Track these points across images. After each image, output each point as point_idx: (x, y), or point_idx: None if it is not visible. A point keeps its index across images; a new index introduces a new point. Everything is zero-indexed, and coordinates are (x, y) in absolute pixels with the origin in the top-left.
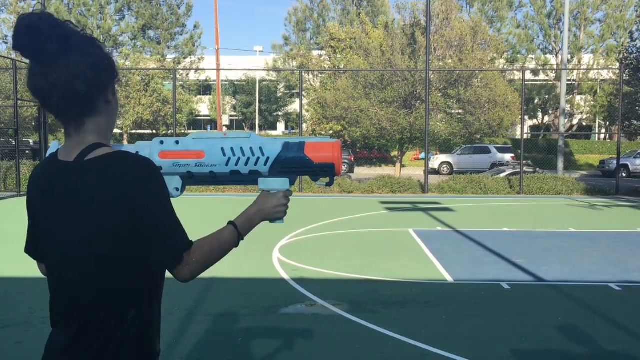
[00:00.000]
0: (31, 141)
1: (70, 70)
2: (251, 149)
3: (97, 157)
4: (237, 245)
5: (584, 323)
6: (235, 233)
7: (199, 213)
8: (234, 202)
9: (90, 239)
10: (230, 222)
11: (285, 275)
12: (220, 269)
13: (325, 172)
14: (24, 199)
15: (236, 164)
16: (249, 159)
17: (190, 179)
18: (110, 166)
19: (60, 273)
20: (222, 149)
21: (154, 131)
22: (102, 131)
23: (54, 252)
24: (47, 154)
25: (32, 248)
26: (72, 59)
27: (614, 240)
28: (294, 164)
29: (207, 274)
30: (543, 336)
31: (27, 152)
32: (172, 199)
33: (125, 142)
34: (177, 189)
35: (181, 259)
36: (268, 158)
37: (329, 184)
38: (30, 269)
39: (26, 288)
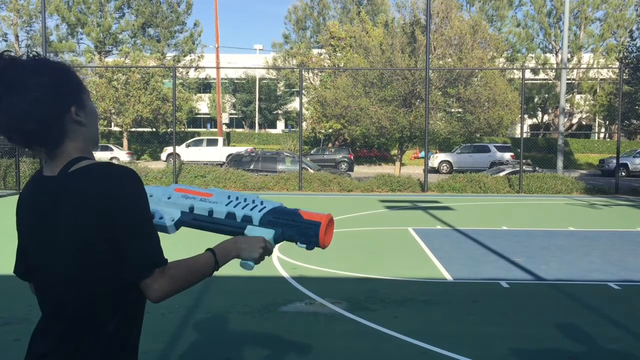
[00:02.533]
0: None
1: (13, 113)
2: (253, 200)
3: (80, 168)
4: (211, 274)
5: (583, 322)
6: (212, 260)
7: None
8: None
9: (73, 251)
10: (208, 249)
11: (284, 274)
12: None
13: (311, 230)
14: None
15: (234, 206)
16: (247, 204)
17: (189, 215)
18: (92, 176)
19: (45, 288)
20: (229, 195)
21: (154, 129)
22: (81, 147)
23: (39, 266)
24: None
25: (21, 268)
26: (10, 100)
27: (613, 239)
28: (284, 215)
29: None
30: (542, 335)
31: (26, 149)
32: (166, 234)
33: (124, 140)
34: (172, 219)
35: (152, 272)
36: (264, 207)
37: (308, 247)
38: None
39: (25, 285)
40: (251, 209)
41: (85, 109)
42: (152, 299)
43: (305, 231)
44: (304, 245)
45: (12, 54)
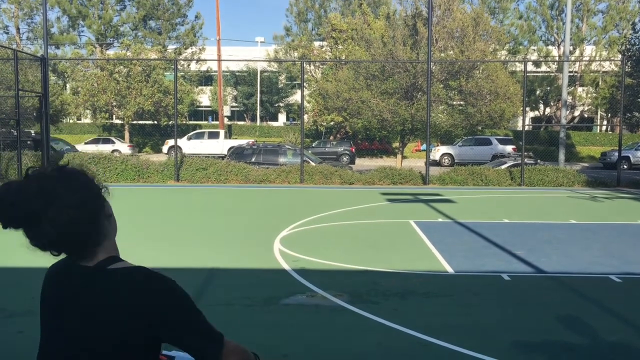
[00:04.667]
0: (33, 132)
1: (62, 220)
2: None
3: (119, 268)
4: None
5: (584, 314)
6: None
7: (200, 203)
8: (234, 193)
9: (100, 343)
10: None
11: (286, 266)
12: (222, 260)
13: None
14: None
15: None
16: None
17: None
18: (132, 280)
19: None
20: None
21: (155, 122)
22: (113, 246)
23: (53, 351)
24: None
25: None
26: (57, 209)
27: (615, 232)
28: None
29: (210, 265)
30: (543, 327)
31: (28, 142)
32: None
33: (126, 133)
34: None
35: (221, 350)
36: None
37: None
38: (31, 259)
39: (28, 278)
40: None
41: (109, 205)
42: None
43: None
44: None
45: (36, 169)
